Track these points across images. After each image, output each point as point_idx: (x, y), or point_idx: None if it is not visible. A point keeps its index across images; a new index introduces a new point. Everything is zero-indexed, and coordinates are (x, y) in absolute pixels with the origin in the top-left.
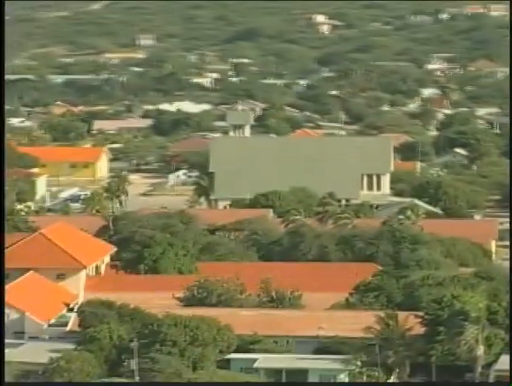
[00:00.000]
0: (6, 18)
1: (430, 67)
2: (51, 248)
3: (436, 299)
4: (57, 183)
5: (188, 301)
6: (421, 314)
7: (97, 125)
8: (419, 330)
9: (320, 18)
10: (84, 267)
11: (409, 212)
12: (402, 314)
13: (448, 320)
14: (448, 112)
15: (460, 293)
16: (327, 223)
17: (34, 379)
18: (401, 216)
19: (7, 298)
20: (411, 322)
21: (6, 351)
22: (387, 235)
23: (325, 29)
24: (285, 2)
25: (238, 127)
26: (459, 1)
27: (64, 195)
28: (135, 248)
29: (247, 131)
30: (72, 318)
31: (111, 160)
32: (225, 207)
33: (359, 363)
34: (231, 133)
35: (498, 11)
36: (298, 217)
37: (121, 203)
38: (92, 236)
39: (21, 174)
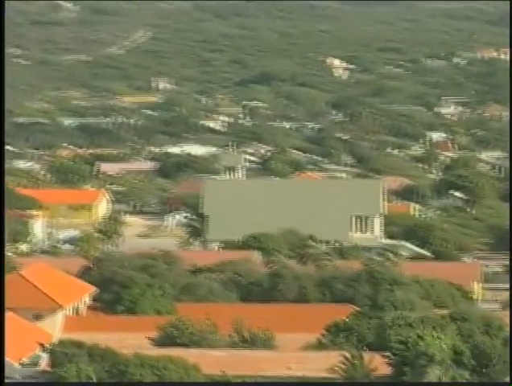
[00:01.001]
0: (27, 62)
1: (440, 110)
2: (28, 288)
3: (402, 340)
4: (55, 225)
5: (161, 342)
6: (388, 354)
7: (102, 167)
8: (386, 370)
9: (335, 61)
10: (61, 307)
11: (389, 254)
12: (368, 355)
13: (412, 360)
14: (452, 155)
15: (427, 334)
16: (307, 264)
17: None
18: (381, 258)
19: None
20: (377, 362)
21: None
22: (366, 276)
23: (339, 72)
24: (300, 45)
25: (231, 169)
26: (473, 46)
27: (60, 236)
28: (114, 289)
29: (239, 173)
30: (45, 358)
31: (113, 202)
32: (218, 249)
33: None
34: (223, 176)
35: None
36: (279, 258)
37: (113, 244)
38: (74, 276)
39: (17, 215)
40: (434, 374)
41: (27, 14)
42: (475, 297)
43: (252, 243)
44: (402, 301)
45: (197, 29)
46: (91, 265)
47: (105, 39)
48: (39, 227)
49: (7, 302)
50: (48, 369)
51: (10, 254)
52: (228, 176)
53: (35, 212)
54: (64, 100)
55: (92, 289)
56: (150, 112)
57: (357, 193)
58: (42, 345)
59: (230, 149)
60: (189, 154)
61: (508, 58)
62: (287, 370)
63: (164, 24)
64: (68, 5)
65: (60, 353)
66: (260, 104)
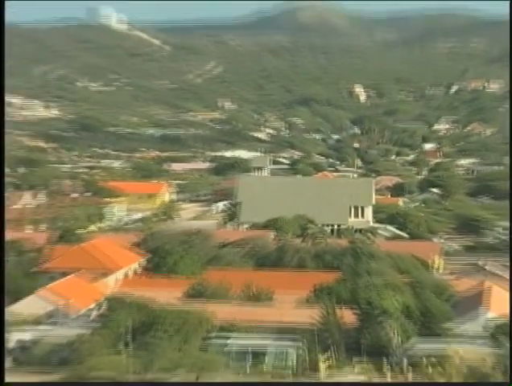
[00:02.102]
0: (123, 85)
1: (435, 127)
2: (89, 256)
3: (367, 299)
4: (128, 209)
5: (189, 296)
6: (356, 309)
7: (172, 166)
8: (354, 321)
9: (359, 88)
10: (115, 271)
11: (369, 234)
12: (341, 309)
13: (374, 314)
14: (437, 161)
15: (387, 295)
16: (307, 241)
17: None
18: (364, 237)
19: (53, 293)
20: (348, 316)
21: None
22: (350, 251)
23: (361, 97)
24: (334, 75)
25: (259, 168)
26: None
27: (130, 218)
28: (160, 256)
29: (266, 172)
30: (96, 311)
31: (177, 192)
32: (246, 229)
33: (304, 341)
34: (253, 173)
35: (497, 84)
36: (285, 236)
37: (168, 224)
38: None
39: (94, 201)
40: (388, 324)
41: (126, 48)
42: (435, 268)
43: (271, 224)
44: (375, 270)
45: (256, 62)
46: (146, 239)
47: (184, 69)
48: (115, 211)
49: (72, 267)
50: (98, 318)
51: (80, 231)
52: (256, 174)
53: (112, 199)
54: (149, 116)
55: (140, 259)
56: (213, 125)
57: (355, 189)
58: (96, 300)
59: (259, 154)
60: (236, 157)
61: (490, 87)
62: (280, 319)
63: (231, 58)
64: (157, 42)
65: (108, 306)
66: (299, 120)
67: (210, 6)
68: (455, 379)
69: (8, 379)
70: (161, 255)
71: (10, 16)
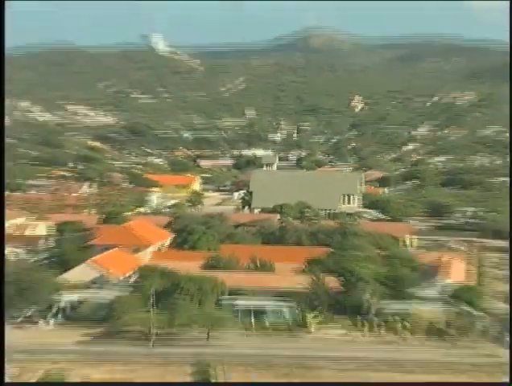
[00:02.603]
0: (168, 97)
1: (418, 131)
2: (129, 234)
3: (349, 269)
4: (165, 197)
5: (206, 267)
6: (341, 277)
7: (201, 163)
8: (338, 287)
9: (357, 98)
10: (148, 246)
11: (356, 217)
12: (328, 278)
13: (354, 281)
14: (417, 158)
15: (365, 266)
16: (304, 222)
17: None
18: (351, 219)
19: (99, 263)
20: (334, 283)
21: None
22: (339, 230)
23: (359, 106)
24: (338, 88)
25: (269, 164)
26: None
27: (166, 204)
28: (184, 235)
29: (274, 167)
30: (134, 276)
31: (205, 183)
32: (257, 213)
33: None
34: (264, 168)
35: (469, 96)
36: (287, 218)
37: (196, 209)
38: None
39: (139, 190)
40: (364, 289)
41: (170, 67)
42: (407, 244)
43: (277, 209)
44: (357, 246)
45: (274, 78)
46: (176, 220)
47: (216, 84)
48: (154, 198)
49: (117, 242)
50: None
51: (128, 213)
52: (266, 168)
53: (152, 189)
54: (186, 122)
55: (171, 236)
56: (237, 129)
57: (345, 181)
58: (134, 268)
59: (270, 152)
60: (254, 155)
61: (464, 98)
62: (279, 285)
63: (254, 75)
64: (195, 62)
65: (142, 273)
66: (307, 124)
67: (238, 33)
68: (415, 335)
69: (58, 332)
70: (186, 233)
71: (79, 40)
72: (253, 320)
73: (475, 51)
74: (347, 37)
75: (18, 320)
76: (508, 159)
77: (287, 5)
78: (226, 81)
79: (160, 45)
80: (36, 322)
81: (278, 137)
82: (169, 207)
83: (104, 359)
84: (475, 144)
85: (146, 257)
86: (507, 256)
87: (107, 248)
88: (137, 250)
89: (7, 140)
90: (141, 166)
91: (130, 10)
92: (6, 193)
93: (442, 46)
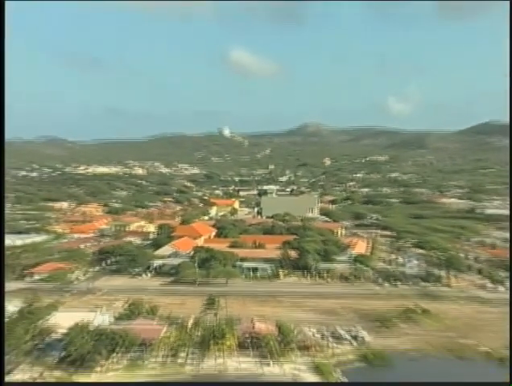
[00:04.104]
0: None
1: (356, 175)
2: (192, 229)
3: (305, 247)
4: (218, 211)
5: (230, 247)
6: (298, 251)
7: (240, 193)
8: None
9: (327, 159)
10: (201, 236)
11: (313, 220)
12: (291, 251)
13: (306, 253)
14: (352, 189)
15: (311, 245)
16: (286, 222)
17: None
18: (310, 221)
19: (175, 245)
20: (294, 254)
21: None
22: (302, 227)
23: (328, 163)
24: (318, 154)
25: (271, 193)
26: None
27: (218, 215)
28: (221, 230)
29: (274, 194)
30: (192, 252)
31: (241, 203)
32: (267, 218)
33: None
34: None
35: (384, 157)
36: (276, 221)
37: (232, 217)
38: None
39: (205, 207)
40: (309, 257)
41: (230, 143)
42: (338, 234)
43: (274, 217)
44: (310, 236)
45: (285, 149)
46: (220, 223)
47: (255, 151)
48: (213, 211)
49: (184, 233)
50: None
51: (196, 220)
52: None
53: (213, 206)
54: (237, 172)
55: (215, 230)
56: (264, 175)
57: (310, 200)
58: (192, 247)
59: (277, 187)
60: (267, 189)
61: (382, 158)
62: (267, 256)
63: (274, 148)
64: (244, 141)
65: (195, 251)
66: (299, 173)
67: (266, 125)
68: (334, 280)
69: (150, 281)
70: (223, 229)
71: (187, 131)
72: (251, 273)
73: (389, 133)
74: (325, 127)
75: (133, 274)
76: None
77: (292, 104)
78: (260, 151)
79: (226, 132)
80: (140, 275)
81: (283, 179)
82: (220, 216)
83: (171, 293)
84: (383, 182)
85: (200, 242)
86: (391, 240)
87: (180, 237)
88: (195, 238)
89: (144, 183)
90: (208, 195)
91: (212, 109)
92: (138, 209)
93: (374, 131)
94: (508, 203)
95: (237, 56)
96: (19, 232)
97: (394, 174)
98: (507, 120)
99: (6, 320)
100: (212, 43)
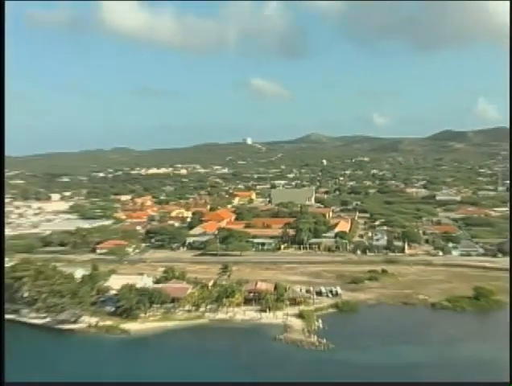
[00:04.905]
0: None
1: (346, 172)
2: (217, 215)
3: (299, 226)
4: (239, 201)
5: (245, 227)
6: (295, 229)
7: (257, 186)
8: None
9: (324, 160)
10: (223, 219)
11: (310, 206)
12: (291, 230)
13: (300, 230)
14: (341, 183)
15: (305, 225)
16: (288, 208)
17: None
18: (307, 207)
19: (204, 227)
20: (292, 232)
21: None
22: (300, 211)
23: (324, 163)
24: (317, 156)
25: (276, 186)
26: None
27: (239, 203)
28: (239, 214)
29: (281, 187)
30: (216, 231)
31: (257, 194)
32: (276, 205)
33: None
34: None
35: (366, 158)
36: (282, 207)
37: (250, 205)
38: (231, 212)
39: (229, 198)
40: (303, 234)
41: (251, 149)
42: (327, 216)
43: (280, 204)
44: (305, 217)
45: (292, 152)
46: (240, 210)
47: (270, 156)
48: (236, 201)
49: (212, 218)
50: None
51: (221, 208)
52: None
53: (235, 197)
54: (256, 171)
55: (233, 215)
56: (276, 173)
57: (308, 192)
58: (217, 229)
59: (284, 182)
60: (278, 183)
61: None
62: (273, 234)
63: (285, 154)
64: (262, 147)
65: (220, 230)
66: (303, 171)
67: (279, 135)
68: (321, 250)
69: (184, 253)
70: (240, 214)
71: (221, 140)
72: (260, 247)
73: (371, 140)
74: (324, 136)
75: (172, 248)
76: None
77: (299, 119)
78: (274, 155)
79: (249, 141)
80: (177, 249)
81: (291, 176)
82: (240, 205)
83: (199, 262)
84: (365, 177)
85: (222, 224)
86: (366, 221)
87: (208, 220)
88: (219, 221)
89: (186, 180)
90: (233, 188)
91: (238, 123)
92: (180, 200)
93: (361, 138)
94: (454, 191)
95: (256, 83)
96: (92, 218)
97: (373, 171)
98: (461, 128)
99: (78, 280)
100: (237, 73)
